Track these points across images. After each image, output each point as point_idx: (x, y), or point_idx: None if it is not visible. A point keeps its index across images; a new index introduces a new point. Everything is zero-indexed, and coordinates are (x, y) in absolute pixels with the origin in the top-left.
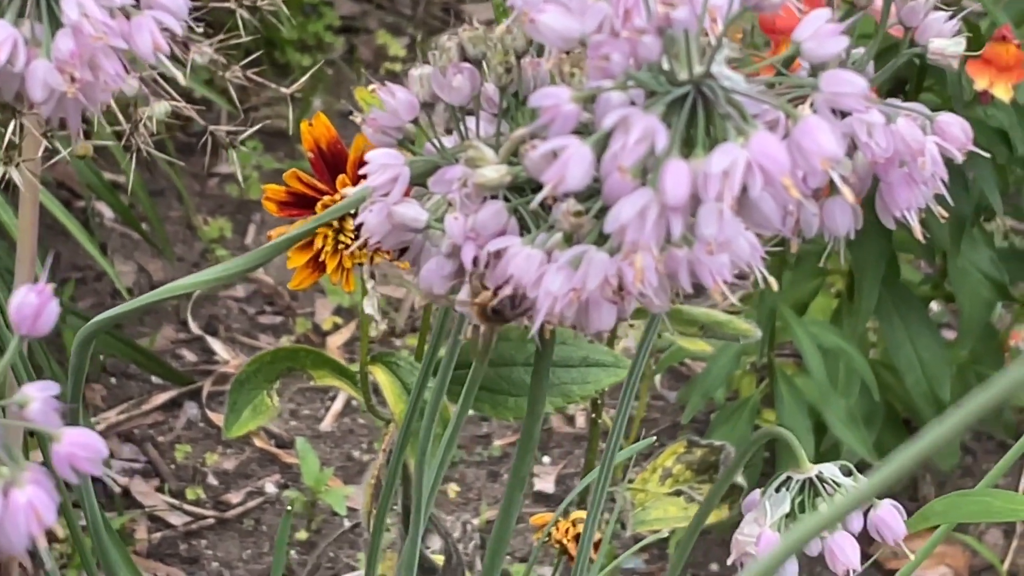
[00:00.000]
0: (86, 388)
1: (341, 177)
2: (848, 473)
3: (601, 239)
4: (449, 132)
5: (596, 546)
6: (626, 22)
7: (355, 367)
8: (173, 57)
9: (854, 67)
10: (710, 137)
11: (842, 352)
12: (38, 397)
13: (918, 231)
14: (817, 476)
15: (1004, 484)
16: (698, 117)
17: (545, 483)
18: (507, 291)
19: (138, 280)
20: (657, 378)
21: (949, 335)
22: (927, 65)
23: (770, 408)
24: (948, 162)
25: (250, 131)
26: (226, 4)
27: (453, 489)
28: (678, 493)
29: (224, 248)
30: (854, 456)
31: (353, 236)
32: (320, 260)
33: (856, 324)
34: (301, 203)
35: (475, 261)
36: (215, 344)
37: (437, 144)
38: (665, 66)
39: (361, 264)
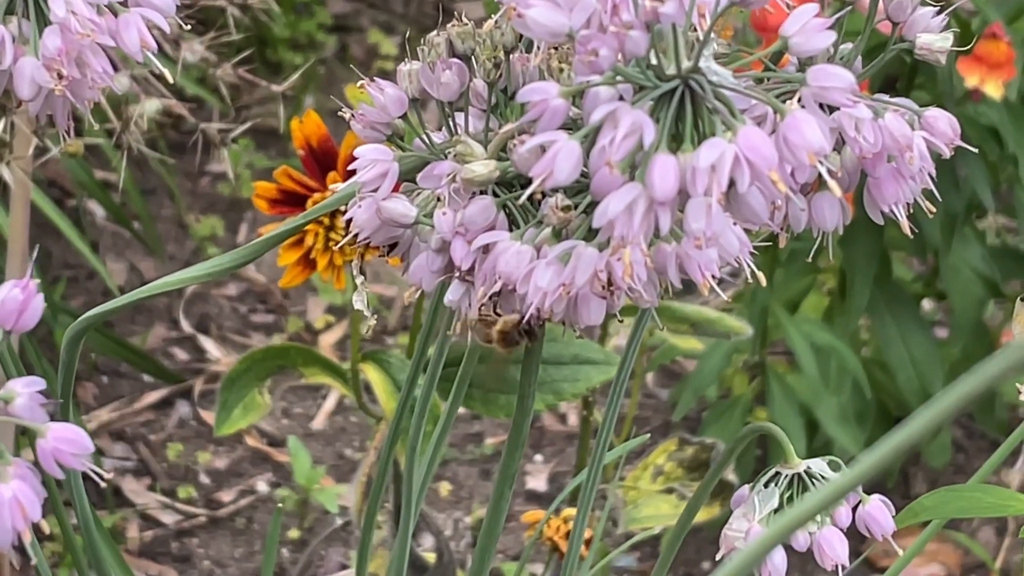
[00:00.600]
0: (78, 386)
1: (332, 174)
2: (837, 468)
3: (590, 234)
4: (438, 128)
5: (587, 544)
6: (614, 17)
7: (347, 365)
8: (164, 55)
9: (842, 63)
10: (698, 132)
11: (834, 350)
12: (23, 392)
13: (906, 226)
14: (805, 471)
15: (995, 481)
16: (686, 112)
17: (537, 481)
18: (496, 287)
19: (129, 278)
20: (649, 376)
21: (941, 333)
22: (918, 62)
23: (762, 406)
24: (940, 160)
25: (242, 129)
26: (217, 2)
27: (445, 487)
28: (670, 491)
29: (216, 246)
30: (846, 454)
31: (343, 233)
32: (311, 257)
33: (848, 322)
34: (292, 200)
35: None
36: (207, 343)
37: (426, 140)
38: (653, 61)
39: (351, 261)
